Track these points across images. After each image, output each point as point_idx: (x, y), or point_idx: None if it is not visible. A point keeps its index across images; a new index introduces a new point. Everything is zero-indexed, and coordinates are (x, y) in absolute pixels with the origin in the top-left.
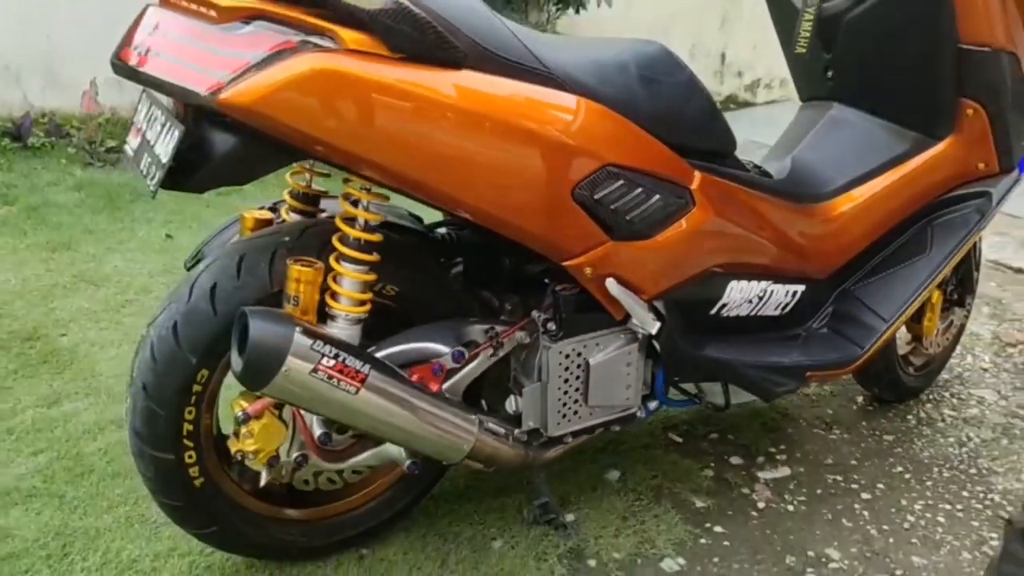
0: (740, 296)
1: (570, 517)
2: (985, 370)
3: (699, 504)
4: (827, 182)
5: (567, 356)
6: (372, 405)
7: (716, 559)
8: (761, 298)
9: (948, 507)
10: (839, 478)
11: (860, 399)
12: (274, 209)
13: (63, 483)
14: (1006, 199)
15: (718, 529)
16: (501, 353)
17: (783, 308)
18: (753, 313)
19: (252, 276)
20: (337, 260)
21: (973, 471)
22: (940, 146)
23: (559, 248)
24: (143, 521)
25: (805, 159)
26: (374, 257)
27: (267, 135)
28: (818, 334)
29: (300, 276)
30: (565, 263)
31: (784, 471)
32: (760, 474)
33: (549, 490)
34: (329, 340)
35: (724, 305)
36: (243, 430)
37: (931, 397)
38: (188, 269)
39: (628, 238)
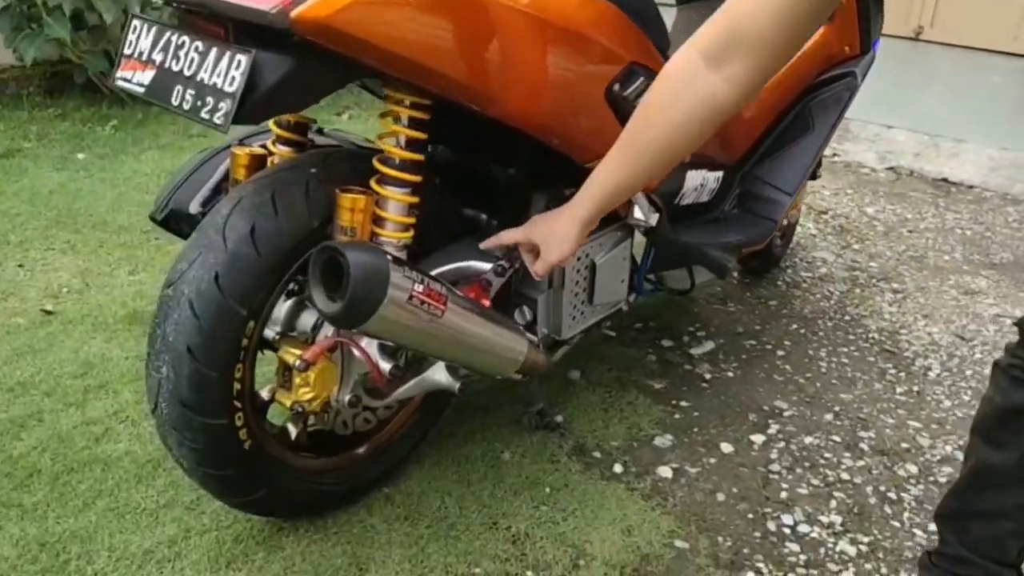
0: (690, 185)
1: (560, 419)
2: (814, 235)
3: (657, 386)
4: None
5: (579, 259)
6: (453, 327)
7: (695, 429)
8: (702, 185)
9: (845, 349)
10: (753, 342)
11: (735, 276)
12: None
13: (11, 491)
14: (866, 76)
15: (684, 403)
16: (518, 265)
17: (711, 194)
18: (694, 201)
19: (290, 212)
20: (380, 183)
21: (848, 318)
22: (818, 33)
23: (585, 148)
24: (134, 510)
25: None
26: (418, 178)
27: (328, 54)
28: (733, 215)
29: (355, 205)
30: (588, 163)
31: (709, 345)
32: (692, 351)
33: (544, 395)
34: (411, 267)
35: (682, 194)
36: (298, 379)
37: (787, 264)
38: (158, 220)
39: None
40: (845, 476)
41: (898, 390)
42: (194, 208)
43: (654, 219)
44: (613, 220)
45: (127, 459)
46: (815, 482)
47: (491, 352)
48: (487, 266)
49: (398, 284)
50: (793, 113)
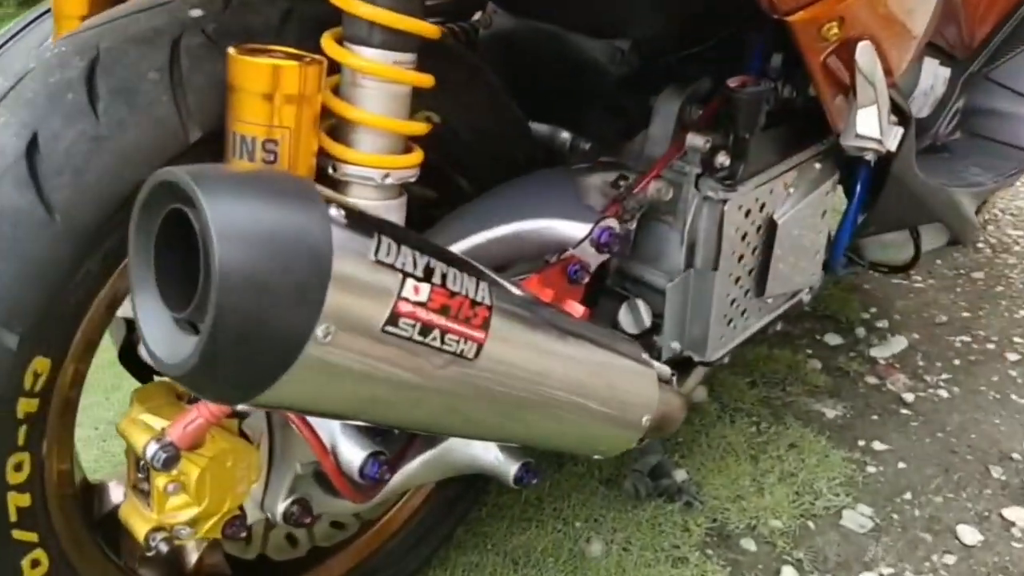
0: (923, 84)
1: (681, 476)
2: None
3: (830, 414)
4: None
5: (747, 214)
6: (505, 384)
7: (906, 495)
8: (931, 88)
9: None
10: (966, 339)
11: None
12: None
13: None
14: None
15: (878, 446)
16: (632, 223)
17: (932, 105)
18: (917, 114)
19: (132, 106)
20: (345, 42)
21: None
22: None
23: None
24: None
25: None
26: (433, 31)
27: None
28: (957, 143)
29: (278, 83)
30: (797, 13)
31: (900, 343)
32: (874, 352)
33: (659, 444)
34: (400, 235)
35: (912, 99)
36: (161, 482)
37: (986, 217)
38: None
39: None
40: None
41: None
42: None
43: (896, 139)
44: (808, 139)
45: None
46: None
47: (589, 421)
48: (579, 228)
49: (356, 284)
50: None
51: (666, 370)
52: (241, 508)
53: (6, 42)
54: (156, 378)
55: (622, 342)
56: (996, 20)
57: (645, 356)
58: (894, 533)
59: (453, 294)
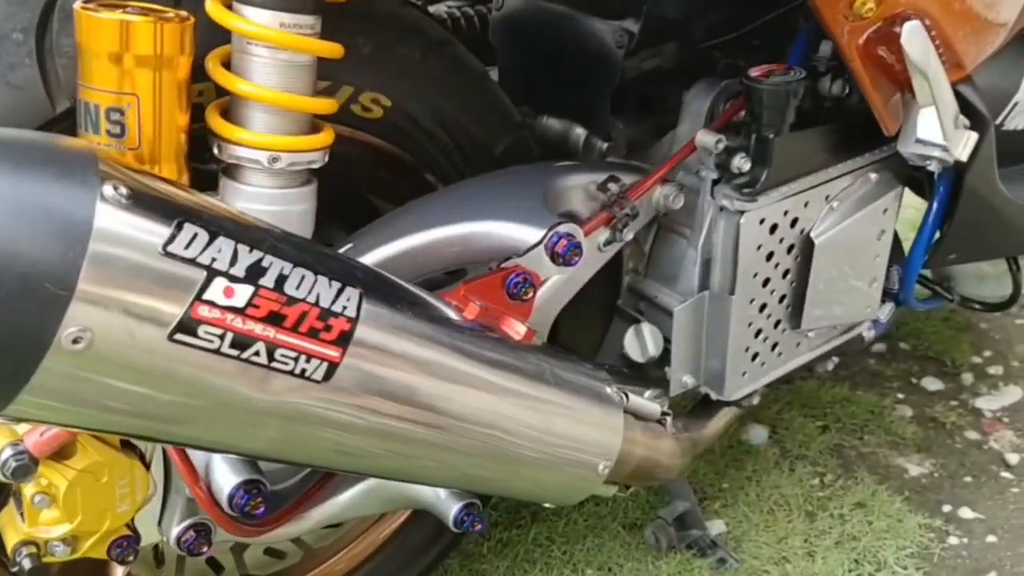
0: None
1: (718, 528)
2: None
3: (914, 471)
4: None
5: (773, 229)
6: (374, 410)
7: (992, 574)
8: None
9: None
10: None
11: None
12: None
13: None
14: None
15: (967, 513)
16: (627, 233)
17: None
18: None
19: None
20: (229, 5)
21: None
22: None
23: None
24: None
25: None
26: None
27: None
28: None
29: (129, 41)
30: None
31: (1013, 393)
32: (979, 403)
33: (690, 490)
34: (219, 223)
35: (1015, 105)
36: (28, 492)
37: None
38: None
39: None
40: None
41: None
42: None
43: (966, 147)
44: (861, 143)
45: None
46: None
47: (515, 464)
48: (531, 233)
49: (127, 280)
50: None
51: (653, 408)
52: (132, 528)
53: None
54: None
55: (577, 373)
56: None
57: (610, 390)
58: None
59: (293, 300)
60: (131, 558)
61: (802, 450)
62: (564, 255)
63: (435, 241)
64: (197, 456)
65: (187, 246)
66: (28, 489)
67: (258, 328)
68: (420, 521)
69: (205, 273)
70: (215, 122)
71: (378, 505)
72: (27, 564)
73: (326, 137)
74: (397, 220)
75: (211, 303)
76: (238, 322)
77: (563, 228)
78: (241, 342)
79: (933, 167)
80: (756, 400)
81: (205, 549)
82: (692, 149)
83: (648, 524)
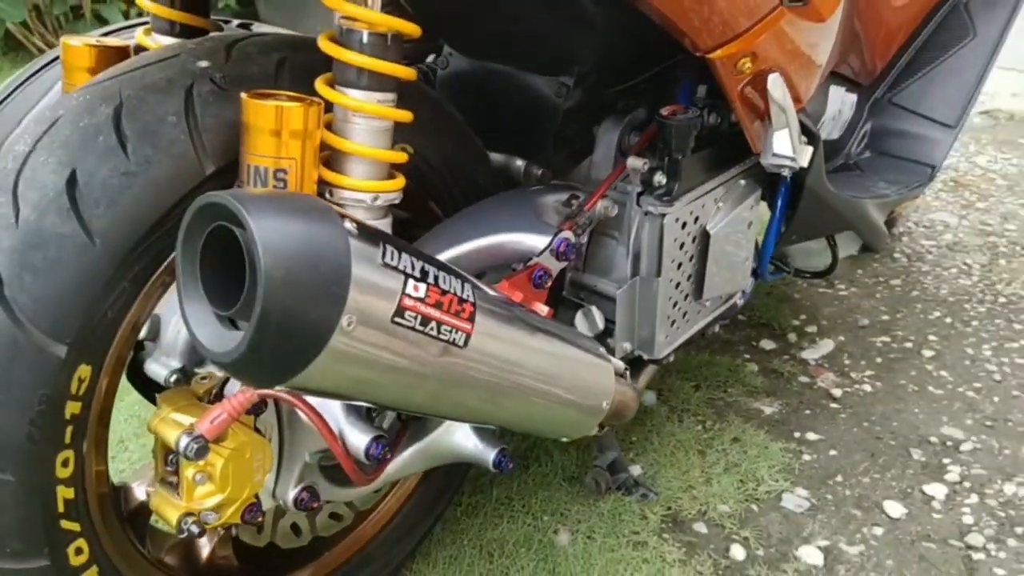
0: (831, 110)
1: (636, 471)
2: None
3: (768, 410)
4: None
5: (684, 226)
6: (490, 367)
7: (838, 478)
8: (839, 113)
9: (1015, 345)
10: (887, 339)
11: None
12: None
13: None
14: None
15: (812, 436)
16: (584, 237)
17: (842, 128)
18: (826, 136)
19: (155, 145)
20: (336, 85)
21: (1003, 299)
22: None
23: (718, 19)
24: None
25: None
26: (410, 73)
27: None
28: (867, 161)
29: (285, 122)
30: (716, 51)
31: (827, 345)
32: (805, 355)
33: (616, 442)
34: (401, 245)
35: (821, 123)
36: (190, 472)
37: (900, 230)
38: None
39: (798, 1)
40: None
41: None
42: None
43: (806, 156)
44: (733, 159)
45: None
46: None
47: (558, 404)
48: (540, 240)
49: (373, 284)
50: (940, 16)
51: (620, 365)
52: (256, 496)
53: (13, 91)
54: (159, 394)
55: (582, 338)
56: (895, 50)
57: (602, 351)
58: (828, 511)
59: (444, 292)
60: (259, 519)
61: (685, 405)
62: (565, 253)
63: (474, 249)
64: (331, 423)
65: (392, 259)
66: (189, 470)
67: (432, 311)
68: (426, 484)
69: (403, 276)
70: (325, 174)
71: (433, 460)
72: (195, 530)
73: (401, 181)
74: (438, 238)
75: (409, 296)
76: (422, 307)
77: (563, 234)
78: (425, 320)
79: (785, 172)
80: (672, 358)
81: (315, 505)
82: (623, 171)
83: (586, 473)
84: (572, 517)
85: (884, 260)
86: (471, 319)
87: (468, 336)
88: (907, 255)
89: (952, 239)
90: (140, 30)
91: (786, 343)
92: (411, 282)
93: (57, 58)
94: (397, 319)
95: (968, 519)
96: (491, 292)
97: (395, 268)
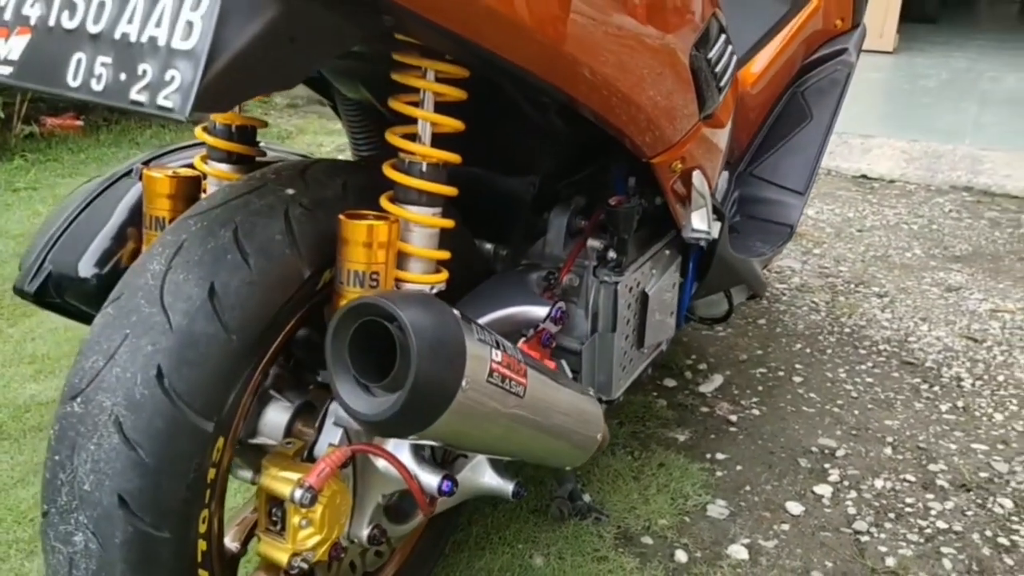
0: (720, 186)
1: (587, 498)
2: None
3: (681, 438)
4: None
5: (630, 290)
6: (537, 408)
7: (747, 488)
8: (720, 188)
9: (863, 367)
10: (764, 370)
11: None
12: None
13: None
14: (860, 52)
15: (720, 456)
16: (559, 304)
17: (721, 199)
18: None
19: (269, 258)
20: (399, 203)
21: (847, 330)
22: (810, 6)
23: (660, 135)
24: None
25: None
26: (453, 191)
27: None
28: (738, 224)
29: (374, 237)
30: (657, 158)
31: (718, 379)
32: (701, 389)
33: (572, 475)
34: (478, 325)
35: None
36: (296, 518)
37: None
38: (28, 293)
39: (708, 117)
40: (942, 524)
41: (942, 408)
42: (85, 270)
43: (716, 229)
44: (658, 235)
45: None
46: (913, 538)
47: (573, 434)
48: (542, 310)
49: (476, 355)
50: (782, 104)
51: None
52: (340, 535)
53: (92, 200)
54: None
55: (578, 385)
56: (753, 130)
57: (592, 393)
58: (744, 515)
59: (509, 355)
60: (342, 555)
61: (614, 440)
62: (559, 319)
63: (495, 319)
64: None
65: (480, 336)
66: (295, 517)
67: (506, 371)
68: (431, 525)
69: (489, 347)
70: (397, 273)
71: (464, 495)
72: (303, 566)
73: (445, 274)
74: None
75: (494, 361)
76: (501, 368)
77: (559, 304)
78: (503, 378)
79: (702, 243)
80: (621, 399)
81: (383, 541)
82: (580, 248)
83: (549, 505)
84: (542, 542)
85: (748, 304)
86: (525, 375)
87: (525, 388)
88: (767, 298)
89: (799, 282)
90: (197, 157)
91: (684, 380)
92: (493, 351)
93: (110, 184)
94: (490, 379)
95: (852, 510)
96: (527, 355)
97: (484, 342)
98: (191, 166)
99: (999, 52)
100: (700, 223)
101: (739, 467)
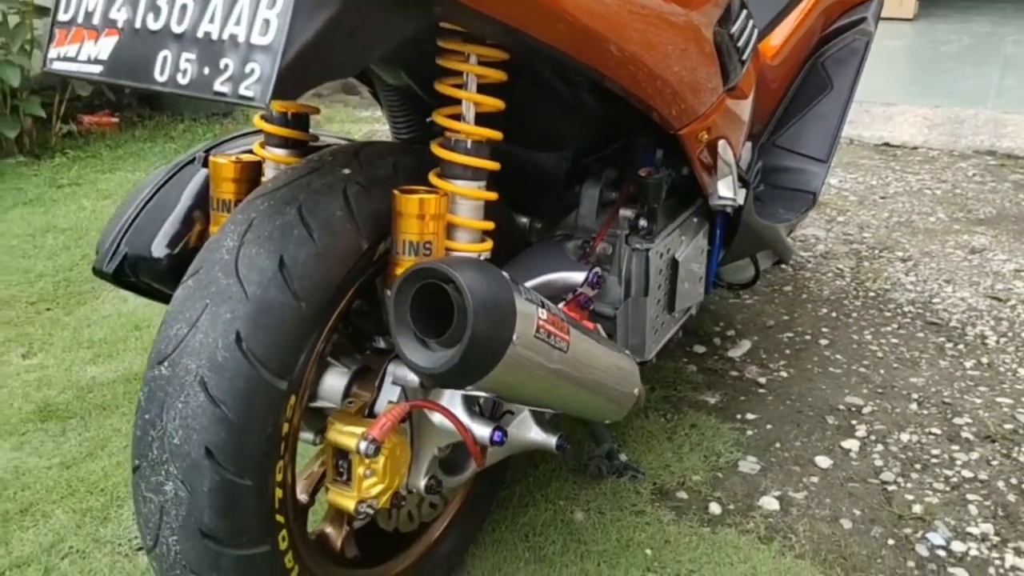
0: (746, 156)
1: (624, 457)
2: None
3: (712, 400)
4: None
5: (661, 256)
6: (579, 363)
7: (777, 444)
8: (743, 157)
9: (888, 328)
10: (791, 335)
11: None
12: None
13: None
14: (879, 21)
15: (751, 416)
16: (595, 270)
17: (747, 169)
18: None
19: (331, 232)
20: (447, 178)
21: (872, 294)
22: None
23: (687, 108)
24: None
25: None
26: (496, 165)
27: None
28: (764, 193)
29: (425, 209)
30: (684, 129)
31: (746, 344)
32: (730, 354)
33: (609, 434)
34: (526, 286)
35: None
36: (361, 469)
37: None
38: (106, 273)
39: (731, 89)
40: (967, 473)
41: (967, 365)
42: (159, 250)
43: (742, 196)
44: (685, 204)
45: None
46: (939, 486)
47: (612, 389)
48: (580, 275)
49: (525, 313)
50: (803, 73)
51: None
52: (400, 484)
53: (161, 187)
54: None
55: (616, 344)
56: (774, 101)
57: (629, 353)
58: (775, 470)
59: (553, 315)
60: (402, 503)
61: (648, 403)
62: (596, 283)
63: (536, 284)
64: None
65: (527, 296)
66: (360, 468)
67: (551, 328)
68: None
69: (535, 306)
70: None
71: (512, 448)
72: (370, 512)
73: (490, 243)
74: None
75: (540, 318)
76: (546, 325)
77: (596, 269)
78: (548, 334)
79: (728, 210)
80: (653, 360)
81: (439, 490)
82: (612, 219)
83: (587, 464)
84: (582, 499)
85: (774, 272)
86: (568, 332)
87: (568, 344)
88: (792, 266)
89: (824, 249)
90: (255, 143)
91: (713, 346)
92: (540, 310)
93: (176, 171)
94: (537, 335)
95: (879, 462)
96: (567, 314)
97: (531, 301)
98: (250, 152)
99: (1021, 15)
100: (726, 191)
101: (769, 426)
